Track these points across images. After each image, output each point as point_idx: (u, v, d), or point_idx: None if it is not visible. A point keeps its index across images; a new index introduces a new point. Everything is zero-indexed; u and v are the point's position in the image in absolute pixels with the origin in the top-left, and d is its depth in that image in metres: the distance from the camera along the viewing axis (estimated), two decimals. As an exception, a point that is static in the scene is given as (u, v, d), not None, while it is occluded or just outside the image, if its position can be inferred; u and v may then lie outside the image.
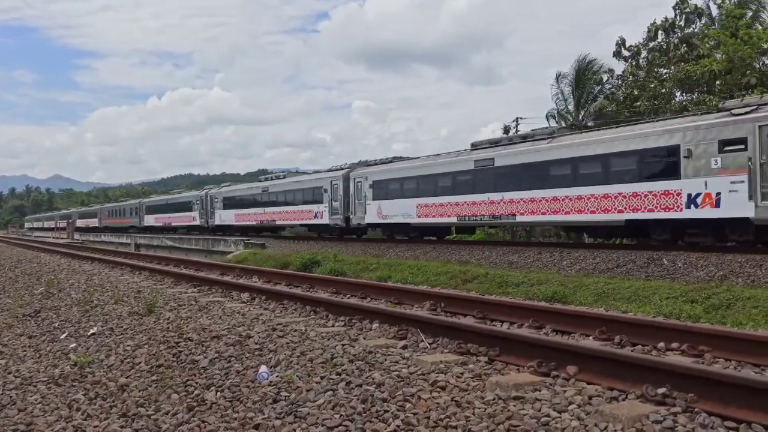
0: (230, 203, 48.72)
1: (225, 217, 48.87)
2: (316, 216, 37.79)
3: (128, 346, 8.79)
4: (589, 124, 36.24)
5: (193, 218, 53.82)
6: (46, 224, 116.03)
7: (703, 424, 4.84)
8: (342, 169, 37.05)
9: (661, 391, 5.36)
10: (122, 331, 9.77)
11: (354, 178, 34.92)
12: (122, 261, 23.60)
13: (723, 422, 4.90)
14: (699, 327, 8.73)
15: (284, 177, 43.96)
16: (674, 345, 7.81)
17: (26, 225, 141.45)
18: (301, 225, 41.02)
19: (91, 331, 10.08)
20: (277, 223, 42.48)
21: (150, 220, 64.21)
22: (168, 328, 9.49)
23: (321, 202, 36.98)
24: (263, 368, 6.81)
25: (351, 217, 34.65)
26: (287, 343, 7.85)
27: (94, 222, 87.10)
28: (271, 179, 45.29)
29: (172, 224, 58.62)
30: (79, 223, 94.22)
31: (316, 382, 6.25)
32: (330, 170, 38.66)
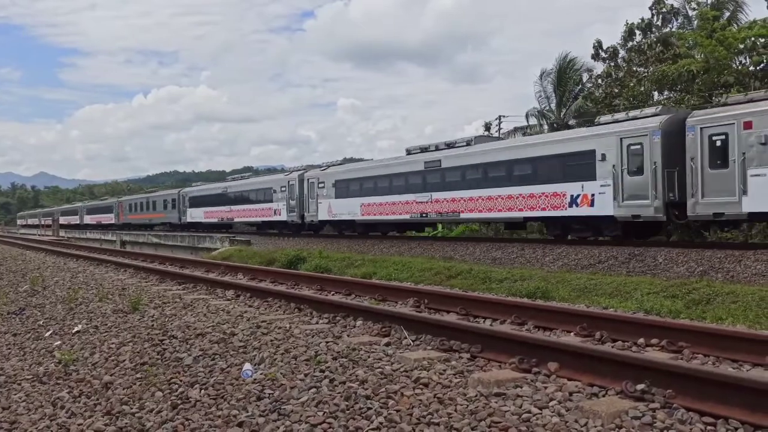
0: (353, 188, 33.23)
1: (342, 207, 33.68)
2: (573, 203, 22.08)
3: (113, 343, 8.80)
4: (571, 122, 36.46)
5: (276, 211, 39.33)
6: (44, 221, 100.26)
7: (681, 419, 4.92)
8: (640, 117, 21.08)
9: (640, 387, 5.42)
10: (107, 329, 9.78)
11: (703, 129, 18.64)
12: (107, 258, 23.49)
13: (701, 418, 4.98)
14: (678, 323, 8.85)
15: (468, 144, 27.51)
16: (654, 341, 7.90)
17: (18, 222, 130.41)
18: (542, 219, 24.88)
19: (76, 329, 10.08)
20: (462, 216, 27.18)
21: (196, 214, 51.10)
22: (152, 325, 9.50)
23: (589, 177, 21.41)
24: (247, 366, 6.84)
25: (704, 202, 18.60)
26: (271, 341, 7.88)
27: (108, 218, 73.32)
28: (445, 147, 28.94)
29: (235, 219, 45.98)
30: (88, 219, 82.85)
31: (300, 380, 6.29)
32: (599, 123, 22.59)
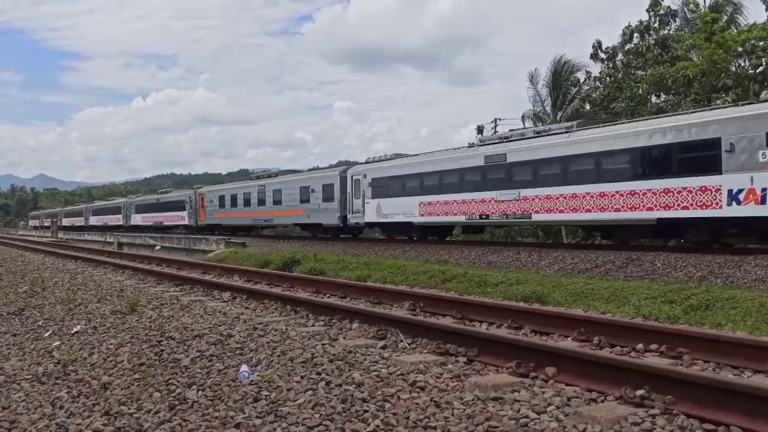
0: None
1: None
2: None
3: (111, 344, 8.78)
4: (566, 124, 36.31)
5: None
6: (74, 222, 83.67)
7: (681, 426, 4.89)
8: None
9: (639, 392, 5.40)
10: (105, 330, 9.75)
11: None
12: (105, 260, 23.49)
13: (701, 424, 4.95)
14: (677, 328, 8.83)
15: None
16: (653, 346, 7.85)
17: (31, 223, 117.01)
18: None
19: (75, 330, 10.05)
20: None
21: (390, 208, 29.96)
22: (150, 326, 9.48)
23: None
24: (244, 367, 6.83)
25: None
26: (268, 343, 7.88)
27: (176, 218, 51.14)
28: None
29: (535, 218, 23.64)
30: (138, 219, 59.43)
31: (297, 382, 6.28)
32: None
